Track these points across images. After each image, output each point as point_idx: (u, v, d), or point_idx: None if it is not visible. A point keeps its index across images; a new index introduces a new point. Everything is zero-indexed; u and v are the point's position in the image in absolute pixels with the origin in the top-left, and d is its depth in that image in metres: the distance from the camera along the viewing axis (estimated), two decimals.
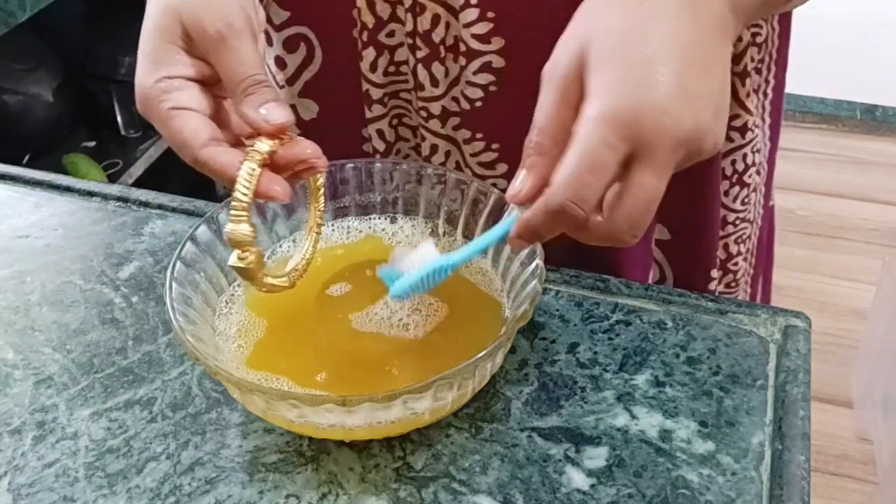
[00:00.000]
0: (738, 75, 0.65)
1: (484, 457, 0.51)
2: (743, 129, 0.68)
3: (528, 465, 0.50)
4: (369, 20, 0.61)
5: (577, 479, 0.50)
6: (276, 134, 0.47)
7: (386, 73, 0.63)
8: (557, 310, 0.60)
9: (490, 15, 0.57)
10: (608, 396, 0.54)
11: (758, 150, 0.71)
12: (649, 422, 0.52)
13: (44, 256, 0.67)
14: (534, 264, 0.51)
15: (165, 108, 0.48)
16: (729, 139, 0.68)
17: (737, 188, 0.71)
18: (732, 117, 0.67)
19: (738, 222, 0.73)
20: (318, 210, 0.54)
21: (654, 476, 0.49)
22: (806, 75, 2.64)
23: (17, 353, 0.59)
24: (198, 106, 0.48)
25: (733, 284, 0.76)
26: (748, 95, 0.67)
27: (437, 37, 0.60)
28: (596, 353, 0.57)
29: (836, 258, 2.16)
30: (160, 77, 0.48)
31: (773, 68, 0.70)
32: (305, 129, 0.69)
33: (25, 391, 0.56)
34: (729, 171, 0.70)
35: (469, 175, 0.62)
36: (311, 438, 0.52)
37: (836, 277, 2.10)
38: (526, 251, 0.53)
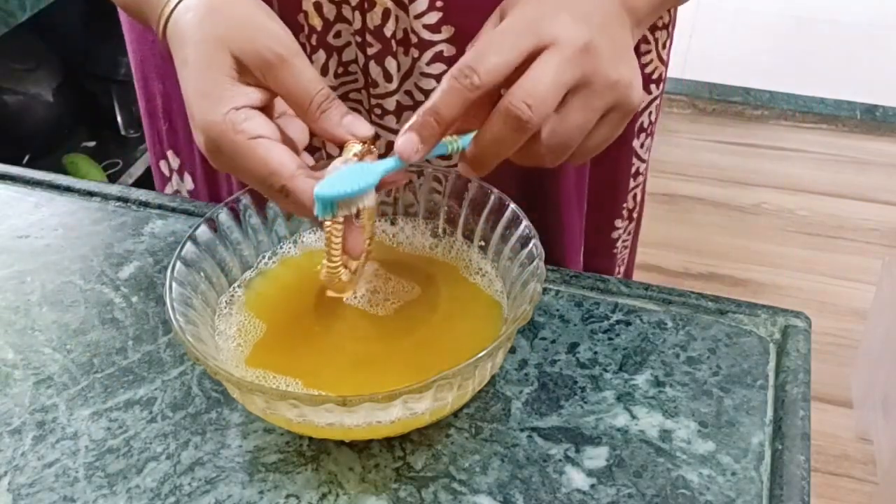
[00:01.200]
0: (651, 29, 0.69)
1: (484, 457, 0.51)
2: (658, 81, 0.72)
3: (528, 465, 0.50)
4: (317, 23, 0.60)
5: (577, 479, 0.50)
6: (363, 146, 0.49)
7: (336, 75, 0.63)
8: (557, 310, 0.60)
9: (439, 4, 0.58)
10: (608, 396, 0.54)
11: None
12: (649, 422, 0.52)
13: (44, 256, 0.67)
14: (534, 264, 0.51)
15: (244, 139, 0.47)
16: (648, 91, 0.72)
17: (649, 139, 0.75)
18: (652, 70, 0.71)
19: (645, 171, 0.77)
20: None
21: (654, 476, 0.49)
22: (806, 75, 2.64)
23: (17, 353, 0.59)
24: (272, 134, 0.48)
25: (631, 230, 0.81)
26: (663, 47, 0.71)
27: (388, 31, 0.60)
28: (596, 353, 0.57)
29: (836, 258, 2.16)
30: (228, 109, 0.47)
31: (671, 26, 0.74)
32: None
33: (25, 391, 0.56)
34: (646, 123, 0.74)
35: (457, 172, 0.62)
36: (311, 438, 0.52)
37: (836, 277, 2.10)
38: (525, 252, 0.53)
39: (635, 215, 0.81)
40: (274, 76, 0.48)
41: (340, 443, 0.52)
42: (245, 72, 0.48)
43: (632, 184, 0.77)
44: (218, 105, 0.47)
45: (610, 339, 0.57)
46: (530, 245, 0.52)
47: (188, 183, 0.77)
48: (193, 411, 0.54)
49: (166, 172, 0.79)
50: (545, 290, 0.61)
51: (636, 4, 0.52)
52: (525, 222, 0.53)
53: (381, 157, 0.50)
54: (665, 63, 0.73)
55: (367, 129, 0.49)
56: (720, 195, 2.34)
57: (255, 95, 0.48)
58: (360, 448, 0.51)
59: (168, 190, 0.80)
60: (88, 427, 0.53)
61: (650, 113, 0.74)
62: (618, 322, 0.59)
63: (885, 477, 1.58)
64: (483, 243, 0.58)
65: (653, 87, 0.72)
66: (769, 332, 0.58)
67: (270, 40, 0.48)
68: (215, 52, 0.48)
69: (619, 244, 0.79)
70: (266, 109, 0.50)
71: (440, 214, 0.59)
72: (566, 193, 0.69)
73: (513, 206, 0.55)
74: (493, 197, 0.56)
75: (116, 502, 0.49)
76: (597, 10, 0.48)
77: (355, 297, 0.56)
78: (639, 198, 0.79)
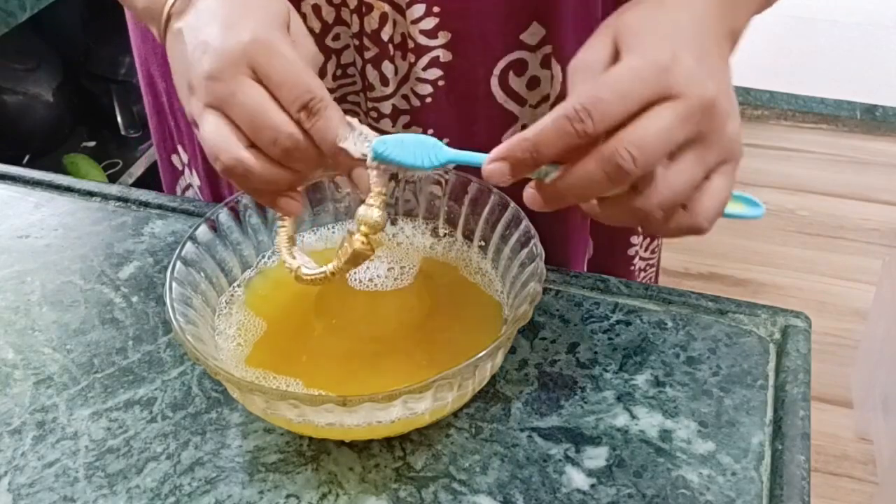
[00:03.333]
0: None
1: (484, 457, 0.51)
2: None
3: (528, 465, 0.50)
4: (316, 25, 0.61)
5: (577, 479, 0.50)
6: None
7: (334, 77, 0.63)
8: (557, 310, 0.60)
9: (436, 10, 0.58)
10: (608, 396, 0.54)
11: None
12: (649, 422, 0.52)
13: (44, 256, 0.67)
14: (534, 264, 0.51)
15: (293, 52, 0.46)
16: None
17: None
18: None
19: None
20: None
21: (654, 476, 0.49)
22: (806, 75, 2.64)
23: (17, 353, 0.59)
24: None
25: (656, 249, 0.80)
26: None
27: (385, 35, 0.60)
28: (596, 353, 0.57)
29: (836, 258, 2.16)
30: (277, 30, 0.46)
31: None
32: None
33: (25, 391, 0.56)
34: None
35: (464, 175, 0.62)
36: (311, 438, 0.52)
37: (836, 277, 2.10)
38: (525, 251, 0.53)
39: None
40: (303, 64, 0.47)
41: (340, 443, 0.52)
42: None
43: None
44: (279, 26, 0.46)
45: (610, 339, 0.57)
46: (530, 245, 0.52)
47: (196, 178, 0.77)
48: (193, 411, 0.54)
49: (178, 166, 0.79)
50: (545, 290, 0.61)
51: (738, 26, 0.50)
52: (525, 222, 0.53)
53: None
54: None
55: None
56: None
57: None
58: (360, 448, 0.51)
59: (181, 184, 0.80)
60: (88, 427, 0.53)
61: None
62: (618, 322, 0.59)
63: (885, 477, 1.58)
64: (483, 243, 0.58)
65: None
66: (769, 332, 0.58)
67: (313, 44, 0.50)
68: (276, 4, 0.47)
69: (636, 261, 0.78)
70: None
71: (440, 214, 0.59)
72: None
73: (513, 205, 0.55)
74: (493, 197, 0.56)
75: (116, 502, 0.49)
76: (713, 46, 0.46)
77: (355, 297, 0.56)
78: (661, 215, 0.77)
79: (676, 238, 0.47)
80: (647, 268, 0.81)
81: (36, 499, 0.50)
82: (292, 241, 0.52)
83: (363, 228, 0.48)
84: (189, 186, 0.79)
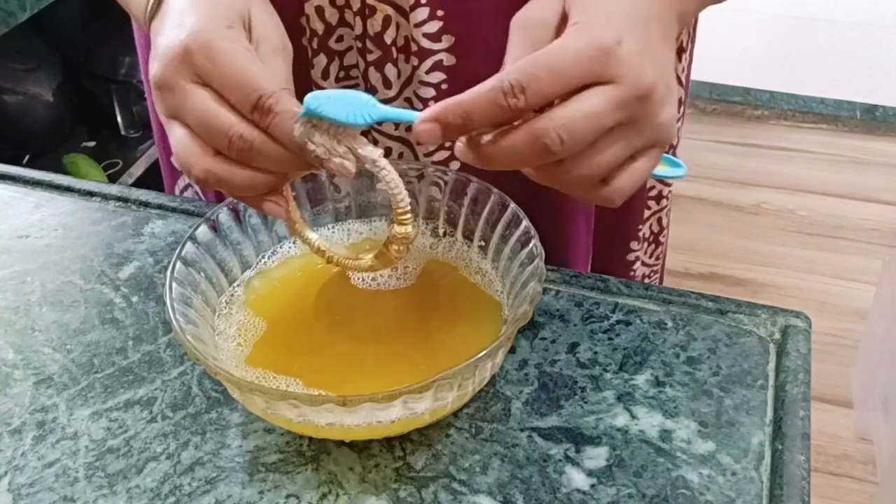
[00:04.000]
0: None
1: (484, 457, 0.51)
2: (679, 103, 0.71)
3: (528, 465, 0.50)
4: (319, 27, 0.60)
5: (577, 479, 0.50)
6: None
7: (337, 80, 0.63)
8: (557, 310, 0.60)
9: (440, 13, 0.58)
10: (608, 396, 0.54)
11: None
12: (649, 422, 0.52)
13: (44, 256, 0.67)
14: (534, 264, 0.51)
15: (244, 46, 0.45)
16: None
17: None
18: None
19: (668, 195, 0.76)
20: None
21: (654, 476, 0.49)
22: (806, 75, 2.64)
23: (17, 353, 0.59)
24: None
25: (660, 255, 0.80)
26: (683, 70, 0.70)
27: (388, 38, 0.60)
28: (596, 353, 0.57)
29: (836, 258, 2.16)
30: (230, 27, 0.45)
31: (690, 45, 0.73)
32: None
33: (25, 391, 0.56)
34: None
35: (429, 162, 0.63)
36: (311, 438, 0.52)
37: (836, 277, 2.10)
38: (525, 251, 0.53)
39: (662, 239, 0.78)
40: (267, 55, 0.47)
41: (340, 443, 0.52)
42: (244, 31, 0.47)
43: (654, 206, 0.75)
44: (223, 21, 0.45)
45: (610, 339, 0.57)
46: (530, 245, 0.52)
47: None
48: (193, 411, 0.54)
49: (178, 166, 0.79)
50: (545, 290, 0.61)
51: (688, 11, 0.50)
52: (525, 222, 0.53)
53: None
54: (686, 85, 0.71)
55: None
56: (720, 195, 2.34)
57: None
58: (360, 448, 0.51)
59: (180, 184, 0.80)
60: (88, 427, 0.53)
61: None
62: (618, 322, 0.59)
63: (885, 477, 1.58)
64: (483, 243, 0.58)
65: (680, 89, 0.71)
66: (769, 332, 0.58)
67: (283, 32, 0.49)
68: (232, 16, 0.46)
69: (637, 266, 0.78)
70: None
71: (440, 214, 0.59)
72: (572, 205, 0.69)
73: (513, 205, 0.55)
74: (493, 197, 0.56)
75: (116, 502, 0.49)
76: (658, 32, 0.46)
77: (355, 297, 0.56)
78: (664, 222, 0.77)
79: (584, 200, 0.48)
80: (651, 274, 0.81)
81: (36, 499, 0.50)
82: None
83: (397, 245, 0.49)
84: (189, 186, 0.79)
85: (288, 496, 0.49)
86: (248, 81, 0.43)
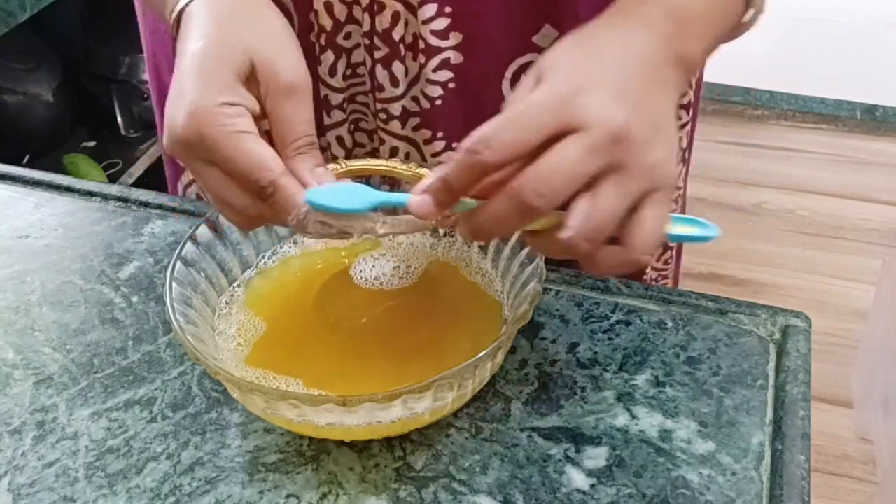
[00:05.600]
0: None
1: (484, 457, 0.51)
2: (688, 106, 0.70)
3: (528, 465, 0.50)
4: (327, 23, 0.60)
5: (577, 479, 0.50)
6: None
7: (344, 77, 0.63)
8: (557, 310, 0.60)
9: (448, 10, 0.58)
10: (608, 396, 0.54)
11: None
12: (649, 422, 0.52)
13: (44, 256, 0.67)
14: (534, 264, 0.51)
15: (236, 129, 0.46)
16: (677, 117, 0.69)
17: (681, 166, 0.73)
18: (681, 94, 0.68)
19: (678, 199, 0.75)
20: None
21: (654, 476, 0.49)
22: (806, 75, 2.64)
23: (17, 353, 0.59)
24: (260, 138, 0.47)
25: (669, 261, 0.79)
26: (694, 74, 0.69)
27: (396, 35, 0.59)
28: (596, 353, 0.57)
29: (836, 258, 2.16)
30: (225, 101, 0.46)
31: None
32: None
33: (25, 391, 0.56)
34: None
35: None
36: (311, 438, 0.52)
37: (836, 277, 2.10)
38: (525, 251, 0.53)
39: (671, 244, 0.78)
40: (278, 103, 0.48)
41: (340, 443, 0.52)
42: (252, 81, 0.48)
43: None
44: (217, 94, 0.46)
45: (610, 339, 0.57)
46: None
47: None
48: (193, 411, 0.54)
49: (181, 163, 0.79)
50: (545, 290, 0.61)
51: (690, 51, 0.49)
52: None
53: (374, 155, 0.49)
54: (695, 87, 0.71)
55: (332, 183, 0.48)
56: (720, 195, 2.34)
57: (250, 103, 0.48)
58: (360, 448, 0.51)
59: (182, 181, 0.80)
60: (88, 427, 0.53)
61: (680, 139, 0.71)
62: (618, 322, 0.59)
63: (885, 477, 1.58)
64: (483, 243, 0.58)
65: (682, 112, 0.69)
66: (769, 332, 0.58)
67: (291, 69, 0.48)
68: (236, 54, 0.47)
69: (647, 270, 0.77)
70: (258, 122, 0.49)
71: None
72: None
73: None
74: None
75: (116, 502, 0.49)
76: (638, 77, 0.45)
77: (356, 297, 0.56)
78: None
79: (620, 274, 0.46)
80: (660, 279, 0.80)
81: (36, 499, 0.50)
82: None
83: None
84: (192, 183, 0.79)
85: (288, 496, 0.49)
86: (246, 170, 0.46)
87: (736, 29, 0.54)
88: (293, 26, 0.62)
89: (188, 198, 0.75)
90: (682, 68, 0.48)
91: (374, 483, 0.50)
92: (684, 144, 0.72)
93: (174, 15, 0.51)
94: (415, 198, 0.45)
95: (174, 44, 0.51)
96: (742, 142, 2.54)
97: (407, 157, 0.65)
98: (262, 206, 0.47)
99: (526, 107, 0.42)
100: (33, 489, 0.50)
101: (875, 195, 2.35)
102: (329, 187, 0.47)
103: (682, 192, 0.76)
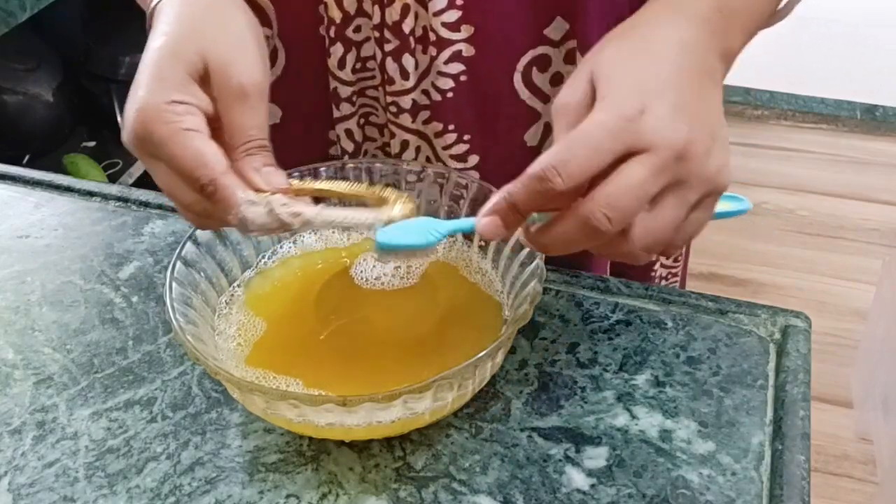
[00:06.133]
0: None
1: (484, 457, 0.51)
2: None
3: (528, 465, 0.50)
4: (336, 15, 0.60)
5: (577, 479, 0.50)
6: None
7: (354, 70, 0.63)
8: (557, 310, 0.60)
9: (459, 2, 0.58)
10: (608, 396, 0.54)
11: None
12: (649, 422, 0.52)
13: (44, 256, 0.67)
14: (534, 264, 0.51)
15: (180, 128, 0.46)
16: None
17: None
18: None
19: None
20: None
21: (654, 476, 0.49)
22: (806, 75, 2.64)
23: (17, 353, 0.59)
24: (207, 135, 0.47)
25: (679, 258, 0.79)
26: None
27: (406, 27, 0.59)
28: (596, 353, 0.57)
29: (836, 258, 2.16)
30: (174, 99, 0.47)
31: None
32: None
33: (25, 391, 0.56)
34: None
35: (469, 174, 0.62)
36: (311, 438, 0.52)
37: (836, 277, 2.10)
38: (525, 251, 0.53)
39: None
40: (228, 104, 0.48)
41: (340, 443, 0.52)
42: (206, 81, 0.48)
43: None
44: (167, 91, 0.47)
45: (610, 339, 0.57)
46: None
47: None
48: (193, 411, 0.54)
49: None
50: (545, 290, 0.61)
51: (733, 45, 0.49)
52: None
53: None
54: None
55: (281, 181, 0.48)
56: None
57: (203, 102, 0.48)
58: (360, 448, 0.51)
59: None
60: (88, 427, 0.53)
61: None
62: (618, 322, 0.59)
63: (885, 477, 1.58)
64: (483, 243, 0.58)
65: None
66: (769, 332, 0.58)
67: (244, 72, 0.48)
68: (190, 53, 0.47)
69: (657, 267, 0.77)
70: (211, 121, 0.49)
71: (440, 214, 0.59)
72: None
73: None
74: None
75: (116, 502, 0.49)
76: (695, 82, 0.45)
77: (356, 297, 0.56)
78: None
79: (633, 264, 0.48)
80: (670, 276, 0.80)
81: (36, 499, 0.50)
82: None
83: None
84: None
85: (288, 496, 0.49)
86: (188, 167, 0.46)
87: (772, 17, 0.54)
88: (298, 20, 0.62)
89: None
90: (726, 63, 0.49)
91: (374, 483, 0.50)
92: None
93: (149, 11, 0.52)
94: (483, 220, 0.46)
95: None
96: (742, 142, 2.54)
97: (418, 150, 0.65)
98: (207, 204, 0.47)
99: (592, 130, 0.43)
100: (33, 489, 0.50)
101: (875, 195, 2.35)
102: (397, 225, 0.48)
103: None
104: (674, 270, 0.80)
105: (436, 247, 0.49)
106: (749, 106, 2.69)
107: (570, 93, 0.46)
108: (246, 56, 0.48)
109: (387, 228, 0.48)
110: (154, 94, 0.47)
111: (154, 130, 0.46)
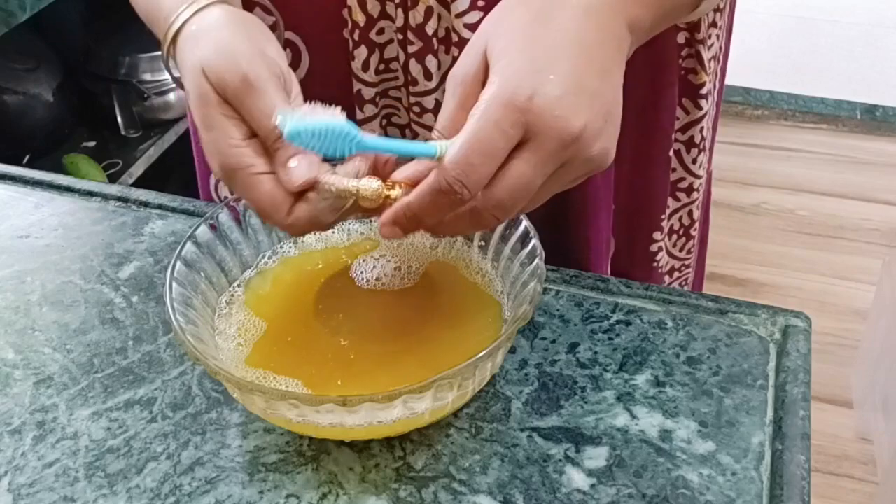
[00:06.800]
0: (700, 42, 0.67)
1: (484, 457, 0.51)
2: (708, 95, 0.70)
3: (528, 465, 0.50)
4: (360, 19, 0.61)
5: (577, 479, 0.50)
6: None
7: (377, 72, 0.63)
8: (557, 310, 0.60)
9: (481, 3, 0.58)
10: (608, 396, 0.54)
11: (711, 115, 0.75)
12: (649, 422, 0.52)
13: (44, 256, 0.67)
14: (534, 264, 0.51)
15: (249, 174, 0.47)
16: (698, 106, 0.70)
17: (702, 155, 0.73)
18: (699, 85, 0.68)
19: (699, 187, 0.75)
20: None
21: (654, 476, 0.49)
22: (806, 75, 2.64)
23: (17, 353, 0.59)
24: (262, 165, 0.47)
25: (692, 249, 0.79)
26: (714, 59, 0.70)
27: (429, 29, 0.60)
28: (596, 353, 0.57)
29: (836, 258, 2.16)
30: (227, 144, 0.47)
31: (724, 35, 0.72)
32: None
33: (25, 391, 0.56)
34: (697, 139, 0.72)
35: None
36: (311, 438, 0.52)
37: (836, 277, 2.10)
38: (525, 251, 0.53)
39: (693, 232, 0.78)
40: (239, 107, 0.47)
41: (340, 443, 0.52)
42: (225, 101, 0.47)
43: (684, 199, 0.75)
44: (219, 140, 0.47)
45: (610, 339, 0.57)
46: (530, 244, 0.52)
47: None
48: (193, 411, 0.54)
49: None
50: (545, 290, 0.61)
51: (642, 16, 0.48)
52: (525, 222, 0.53)
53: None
54: (715, 73, 0.70)
55: (302, 175, 0.47)
56: (720, 195, 2.34)
57: (243, 127, 0.47)
58: (360, 448, 0.51)
59: (212, 181, 0.79)
60: (88, 427, 0.53)
61: (702, 128, 0.71)
62: (618, 322, 0.59)
63: (886, 477, 1.58)
64: (483, 243, 0.58)
65: (702, 101, 0.69)
66: (769, 332, 0.58)
67: (235, 71, 0.46)
68: (198, 80, 0.47)
69: (661, 257, 0.77)
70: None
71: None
72: (594, 208, 0.69)
73: None
74: None
75: (116, 502, 0.49)
76: (595, 49, 0.45)
77: (356, 297, 0.56)
78: (696, 215, 0.76)
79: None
80: (683, 268, 0.80)
81: (36, 499, 0.50)
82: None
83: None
84: None
85: (288, 496, 0.49)
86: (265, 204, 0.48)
87: (688, 8, 0.54)
88: (321, 22, 0.62)
89: (188, 198, 0.75)
90: (635, 35, 0.48)
91: (374, 483, 0.50)
92: (705, 133, 0.72)
93: (166, 53, 0.52)
94: (384, 227, 0.47)
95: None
96: (742, 142, 2.54)
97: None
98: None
99: (487, 133, 0.43)
100: (33, 489, 0.50)
101: (875, 195, 2.35)
102: (308, 123, 0.45)
103: (703, 180, 0.75)
104: (686, 262, 0.79)
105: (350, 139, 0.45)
106: (749, 106, 2.69)
107: (463, 66, 0.46)
108: (234, 57, 0.47)
109: (297, 125, 0.44)
110: (210, 143, 0.47)
111: (233, 178, 0.47)
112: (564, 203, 0.67)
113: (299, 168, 0.47)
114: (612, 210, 0.72)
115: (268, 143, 0.47)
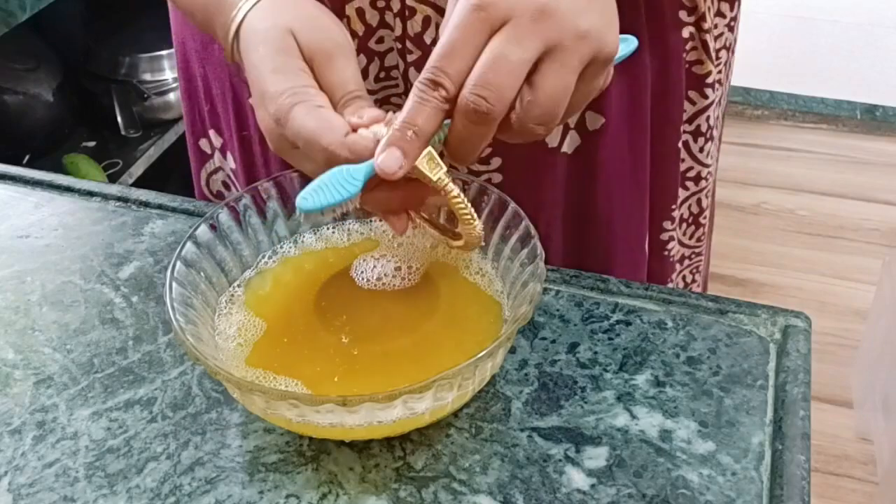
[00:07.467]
0: (707, 31, 0.67)
1: (484, 457, 0.51)
2: (714, 84, 0.71)
3: (528, 465, 0.50)
4: (359, 28, 0.61)
5: (577, 479, 0.50)
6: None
7: (377, 80, 0.64)
8: (557, 310, 0.60)
9: None
10: (608, 396, 0.54)
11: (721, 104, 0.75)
12: (649, 422, 0.52)
13: (44, 256, 0.67)
14: (534, 264, 0.51)
15: (314, 105, 0.48)
16: (704, 96, 0.70)
17: (709, 144, 0.73)
18: (704, 75, 0.69)
19: (708, 176, 0.75)
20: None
21: (654, 476, 0.49)
22: (806, 75, 2.64)
23: (17, 353, 0.59)
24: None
25: (702, 237, 0.79)
26: (722, 48, 0.70)
27: (428, 38, 0.60)
28: (596, 353, 0.57)
29: (836, 258, 2.16)
30: (299, 84, 0.49)
31: (736, 26, 0.73)
32: None
33: (25, 391, 0.56)
34: (704, 128, 0.72)
35: (465, 173, 0.62)
36: (311, 438, 0.52)
37: (836, 277, 2.10)
38: (525, 251, 0.53)
39: (703, 220, 0.78)
40: (322, 68, 0.50)
41: (340, 443, 0.52)
42: (306, 59, 0.51)
43: (692, 188, 0.75)
44: (292, 79, 0.49)
45: (610, 339, 0.57)
46: (530, 245, 0.52)
47: (230, 162, 0.77)
48: (193, 411, 0.54)
49: (207, 150, 0.80)
50: (545, 290, 0.61)
51: None
52: (525, 222, 0.53)
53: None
54: (722, 63, 0.71)
55: (377, 115, 0.49)
56: (720, 195, 2.33)
57: (315, 80, 0.50)
58: (360, 448, 0.51)
59: (208, 168, 0.80)
60: (88, 427, 0.53)
61: (708, 117, 0.71)
62: (618, 322, 0.59)
63: (886, 477, 1.58)
64: (483, 243, 0.58)
65: (708, 90, 0.70)
66: (769, 332, 0.58)
67: (327, 37, 0.51)
68: (286, 40, 0.50)
69: (673, 246, 0.77)
70: None
71: (440, 215, 0.59)
72: (617, 200, 0.69)
73: (512, 205, 0.55)
74: (493, 197, 0.56)
75: (116, 502, 0.49)
76: None
77: (356, 296, 0.56)
78: (705, 204, 0.77)
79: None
80: (693, 256, 0.80)
81: (36, 499, 0.50)
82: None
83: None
84: (218, 170, 0.79)
85: (288, 496, 0.49)
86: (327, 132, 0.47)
87: None
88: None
89: (188, 198, 0.75)
90: None
91: (374, 483, 0.50)
92: (712, 122, 0.72)
93: (231, 33, 0.53)
94: (381, 155, 0.45)
95: (233, 60, 0.55)
96: (742, 142, 2.54)
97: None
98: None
99: (455, 29, 0.43)
100: (33, 489, 0.50)
101: (875, 195, 2.35)
102: (315, 185, 0.46)
103: (711, 169, 0.76)
104: (697, 250, 0.79)
105: (355, 195, 0.47)
106: (749, 106, 2.69)
107: (450, 13, 0.47)
108: (325, 24, 0.52)
109: (304, 191, 0.46)
110: (280, 83, 0.49)
111: (282, 117, 0.48)
112: (586, 202, 0.67)
113: (372, 111, 0.49)
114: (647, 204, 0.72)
115: (340, 103, 0.50)
